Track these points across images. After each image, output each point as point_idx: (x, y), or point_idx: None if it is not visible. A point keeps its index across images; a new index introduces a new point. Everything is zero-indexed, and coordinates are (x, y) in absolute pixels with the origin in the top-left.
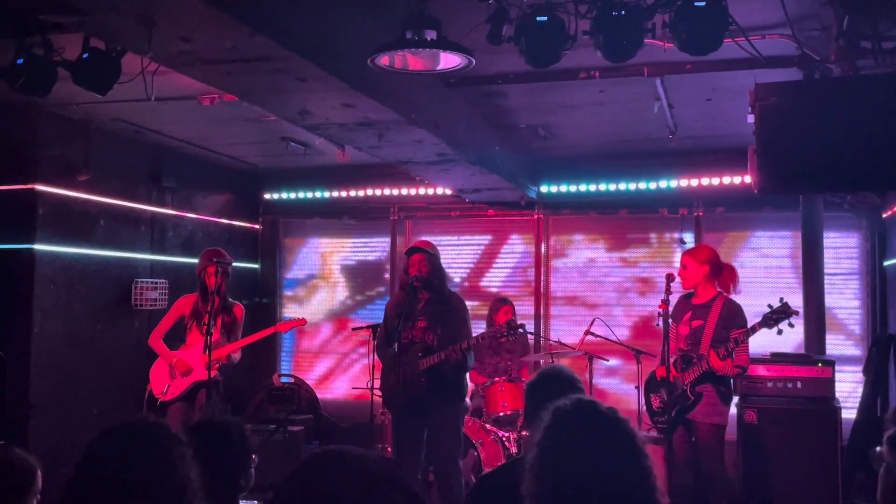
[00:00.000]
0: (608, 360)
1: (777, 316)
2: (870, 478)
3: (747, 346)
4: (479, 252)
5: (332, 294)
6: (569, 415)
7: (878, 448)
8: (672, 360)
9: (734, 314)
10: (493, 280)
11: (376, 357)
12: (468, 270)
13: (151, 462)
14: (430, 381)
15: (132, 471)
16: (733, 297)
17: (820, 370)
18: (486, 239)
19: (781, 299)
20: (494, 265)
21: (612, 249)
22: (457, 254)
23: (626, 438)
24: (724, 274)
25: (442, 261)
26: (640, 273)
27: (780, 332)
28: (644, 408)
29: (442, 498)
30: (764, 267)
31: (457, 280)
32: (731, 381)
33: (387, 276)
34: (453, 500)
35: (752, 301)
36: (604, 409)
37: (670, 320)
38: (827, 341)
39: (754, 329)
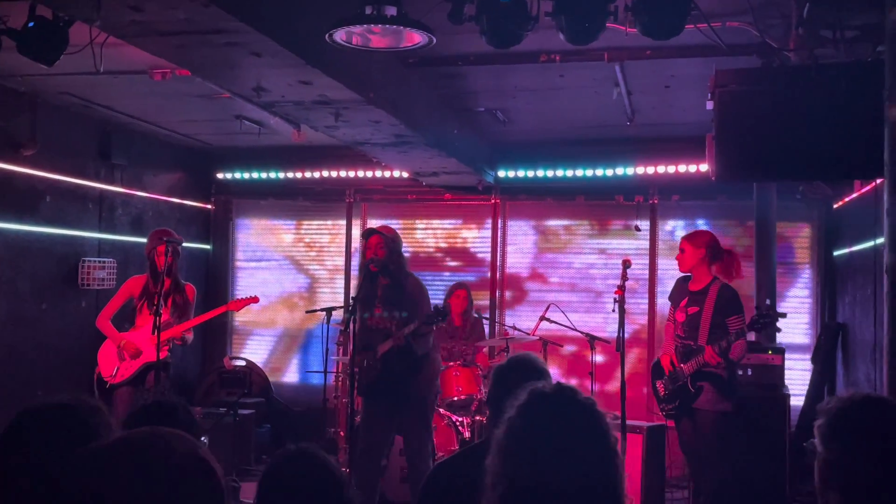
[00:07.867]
0: (563, 347)
1: (763, 321)
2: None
3: (744, 340)
4: (436, 236)
5: (286, 275)
6: (546, 397)
7: (812, 440)
8: (672, 348)
9: (729, 301)
10: (449, 265)
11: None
12: (424, 254)
13: (73, 437)
14: (386, 368)
15: (55, 447)
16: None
17: (770, 357)
18: (442, 223)
19: (767, 302)
20: (450, 249)
21: (569, 235)
22: (413, 238)
23: (599, 431)
24: (724, 260)
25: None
26: (596, 259)
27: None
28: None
29: (412, 488)
30: None
31: (412, 264)
32: (733, 371)
33: (341, 259)
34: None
35: None
36: (582, 398)
37: (668, 301)
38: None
39: (743, 332)
